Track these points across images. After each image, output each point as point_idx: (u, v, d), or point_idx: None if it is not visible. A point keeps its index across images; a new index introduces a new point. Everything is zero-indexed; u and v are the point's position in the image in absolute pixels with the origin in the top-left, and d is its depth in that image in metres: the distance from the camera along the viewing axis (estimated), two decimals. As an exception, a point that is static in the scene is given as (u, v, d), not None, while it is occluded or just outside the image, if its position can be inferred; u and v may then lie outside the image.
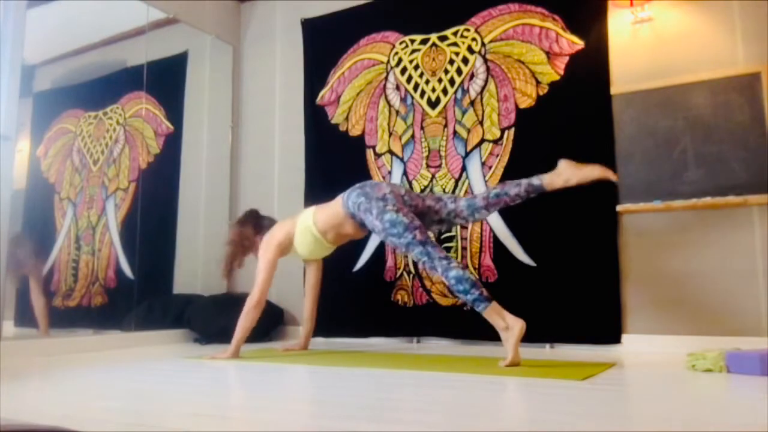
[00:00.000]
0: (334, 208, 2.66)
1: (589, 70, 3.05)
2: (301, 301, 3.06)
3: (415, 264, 3.33)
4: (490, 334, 2.34)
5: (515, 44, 3.24)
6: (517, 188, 2.52)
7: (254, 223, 2.93)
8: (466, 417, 1.46)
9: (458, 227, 3.24)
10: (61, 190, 3.60)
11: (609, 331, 2.85)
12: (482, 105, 3.29)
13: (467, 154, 3.29)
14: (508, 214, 3.14)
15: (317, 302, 3.01)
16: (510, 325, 2.22)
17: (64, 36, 3.64)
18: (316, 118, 3.81)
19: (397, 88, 3.54)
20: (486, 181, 3.22)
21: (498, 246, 3.15)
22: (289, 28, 4.04)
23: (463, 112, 3.33)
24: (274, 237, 2.75)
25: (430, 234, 2.62)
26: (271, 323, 3.58)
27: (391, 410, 1.53)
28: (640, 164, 2.90)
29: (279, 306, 3.67)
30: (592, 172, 2.40)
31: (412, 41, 3.55)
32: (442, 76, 3.42)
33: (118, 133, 3.70)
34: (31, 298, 3.21)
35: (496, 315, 2.25)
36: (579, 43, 3.09)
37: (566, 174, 2.42)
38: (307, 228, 2.69)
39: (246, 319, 2.66)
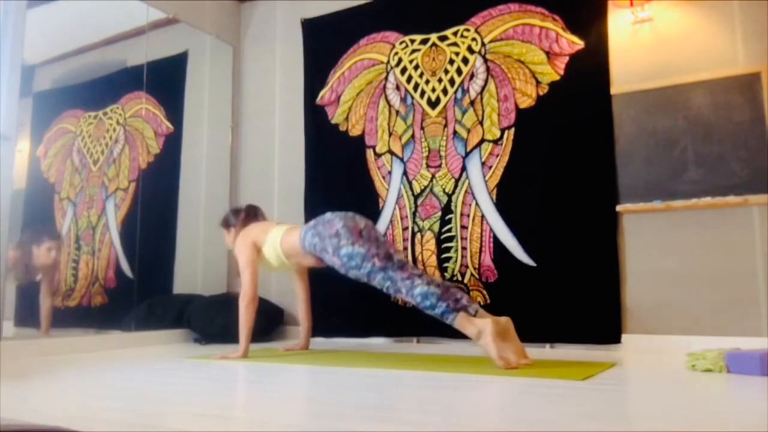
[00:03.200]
0: (296, 240, 2.68)
1: (589, 70, 3.05)
2: (301, 301, 3.07)
3: (415, 264, 3.33)
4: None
5: (515, 44, 3.24)
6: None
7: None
8: (466, 417, 1.46)
9: (458, 226, 3.25)
10: (61, 190, 3.59)
11: (609, 331, 2.86)
12: (482, 105, 3.29)
13: (467, 154, 3.29)
14: (508, 213, 3.14)
15: (309, 302, 3.04)
16: (481, 329, 2.18)
17: (64, 36, 3.64)
18: (316, 118, 3.81)
19: (397, 88, 3.54)
20: (486, 181, 3.22)
21: (498, 246, 3.15)
22: (289, 28, 4.04)
23: (463, 112, 3.33)
24: (249, 236, 2.81)
25: (399, 256, 2.53)
26: (271, 323, 3.59)
27: (390, 410, 1.53)
28: (640, 164, 2.90)
29: (279, 306, 3.67)
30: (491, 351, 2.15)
31: (412, 41, 3.55)
32: (442, 76, 3.42)
33: (118, 133, 3.69)
34: (39, 297, 3.21)
35: (466, 323, 2.23)
36: (579, 43, 3.09)
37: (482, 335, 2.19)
38: (274, 247, 2.75)
39: (245, 318, 2.69)
